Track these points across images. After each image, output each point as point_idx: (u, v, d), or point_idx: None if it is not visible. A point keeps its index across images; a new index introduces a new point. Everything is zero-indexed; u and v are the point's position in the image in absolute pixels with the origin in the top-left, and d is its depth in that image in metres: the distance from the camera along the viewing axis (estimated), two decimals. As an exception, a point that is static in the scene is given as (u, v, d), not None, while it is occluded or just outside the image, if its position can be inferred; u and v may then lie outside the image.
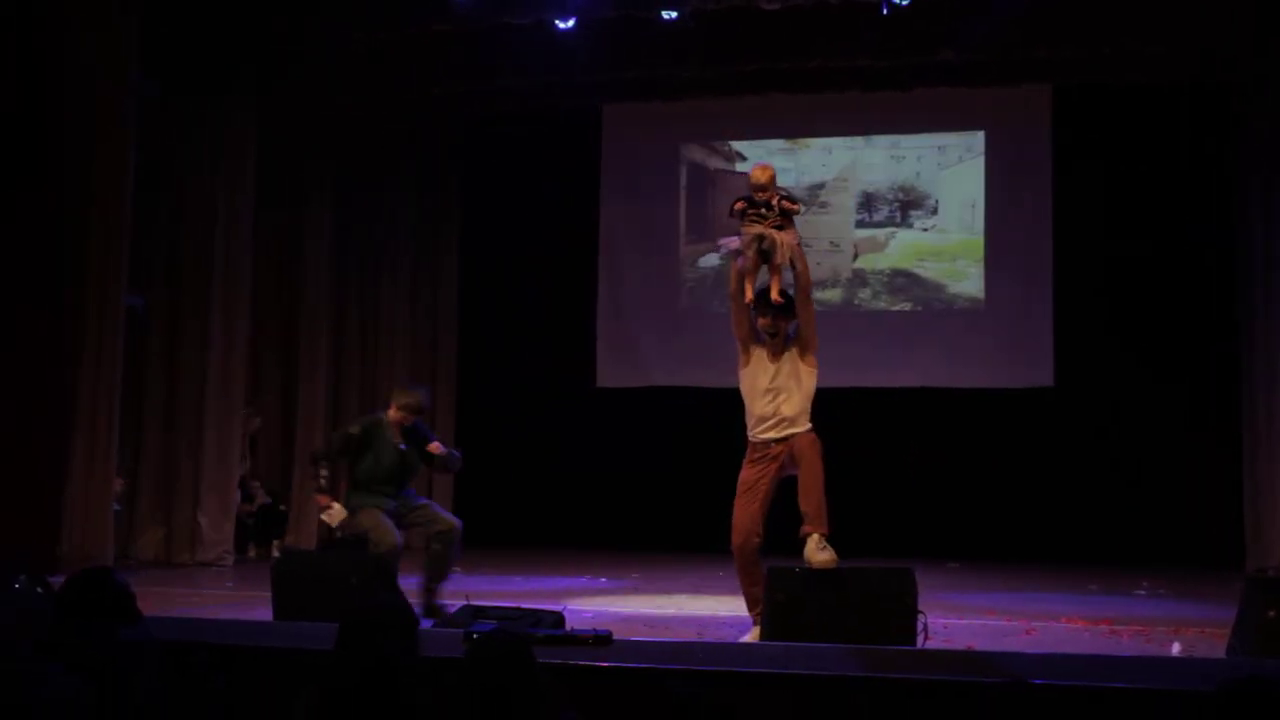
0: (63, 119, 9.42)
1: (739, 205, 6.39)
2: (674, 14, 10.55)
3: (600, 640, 4.88)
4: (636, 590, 9.24)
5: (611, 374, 13.25)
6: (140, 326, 10.57)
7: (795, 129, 12.95)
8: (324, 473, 7.26)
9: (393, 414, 7.30)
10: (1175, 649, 6.44)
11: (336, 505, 7.18)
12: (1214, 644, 6.34)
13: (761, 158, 12.80)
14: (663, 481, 12.39)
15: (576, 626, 5.86)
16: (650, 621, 7.35)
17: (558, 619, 6.31)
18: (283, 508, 11.82)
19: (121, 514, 10.21)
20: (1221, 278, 11.62)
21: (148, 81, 10.26)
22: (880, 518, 11.32)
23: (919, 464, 12.23)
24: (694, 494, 11.63)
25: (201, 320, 10.73)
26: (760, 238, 6.25)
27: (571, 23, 10.73)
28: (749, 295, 6.35)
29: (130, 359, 10.17)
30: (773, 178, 6.36)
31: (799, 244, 6.36)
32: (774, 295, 6.30)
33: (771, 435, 6.32)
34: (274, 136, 11.49)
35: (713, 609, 7.95)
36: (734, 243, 6.39)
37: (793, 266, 6.31)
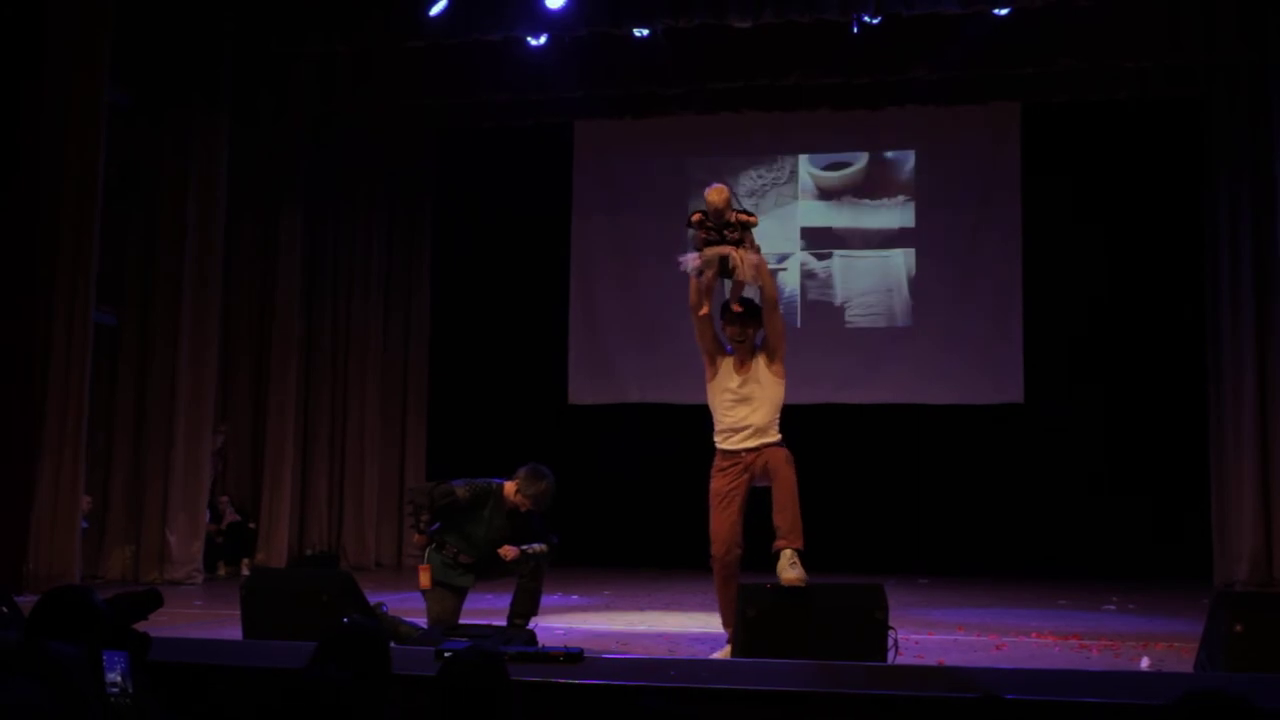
0: (33, 132, 9.37)
1: (696, 218, 6.41)
2: (646, 32, 10.60)
3: (571, 657, 4.87)
4: (608, 607, 9.22)
5: (583, 391, 13.25)
6: (111, 343, 10.52)
7: (768, 146, 12.99)
8: (425, 517, 6.72)
9: (511, 494, 6.70)
10: (1144, 664, 6.47)
11: (427, 575, 6.67)
12: (1182, 658, 6.38)
13: (739, 171, 12.92)
14: (635, 499, 12.39)
15: (548, 644, 5.86)
16: (622, 638, 7.33)
17: (529, 636, 6.31)
18: (252, 525, 11.75)
19: (90, 532, 10.13)
20: (1189, 296, 11.71)
21: (119, 94, 10.22)
22: (852, 534, 11.35)
23: (884, 478, 12.28)
24: (666, 511, 11.66)
25: (171, 337, 10.66)
26: (725, 258, 6.27)
27: (544, 39, 10.77)
28: (705, 309, 6.37)
29: (100, 375, 10.11)
30: (728, 199, 6.34)
31: (761, 258, 6.39)
32: (733, 306, 6.35)
33: (742, 445, 6.34)
34: (246, 152, 11.47)
35: (684, 626, 7.94)
36: (693, 260, 6.40)
37: (755, 281, 6.33)
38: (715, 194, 6.34)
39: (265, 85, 11.47)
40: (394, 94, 11.92)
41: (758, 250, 6.39)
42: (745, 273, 6.26)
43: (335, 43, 10.76)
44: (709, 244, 6.32)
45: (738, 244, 6.29)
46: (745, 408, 6.34)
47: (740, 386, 6.35)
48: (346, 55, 11.31)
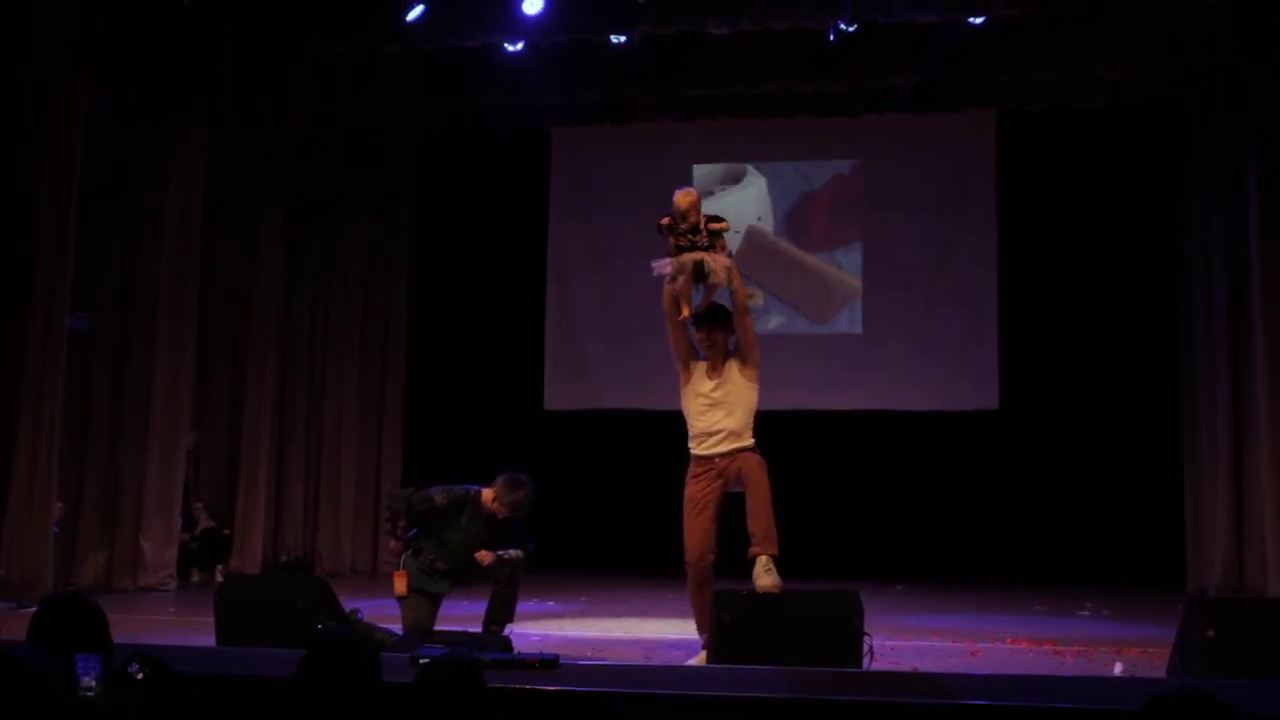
0: (14, 135, 9.32)
1: (665, 222, 6.47)
2: (624, 38, 10.61)
3: (547, 664, 4.86)
4: (584, 613, 9.22)
5: (559, 396, 13.24)
6: (86, 347, 10.46)
7: (745, 152, 13.01)
8: (402, 524, 6.71)
9: (490, 501, 6.69)
10: (1118, 669, 6.50)
11: (403, 581, 6.68)
12: (1155, 664, 6.41)
13: (717, 178, 12.96)
14: (611, 505, 12.37)
15: (523, 650, 5.85)
16: (597, 645, 7.33)
17: (505, 643, 6.30)
18: (226, 532, 11.69)
19: (63, 537, 10.05)
20: (1163, 302, 11.79)
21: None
22: (827, 540, 11.37)
23: (859, 484, 12.30)
24: (642, 517, 11.63)
25: (147, 342, 10.60)
26: (700, 263, 6.33)
27: (521, 45, 10.76)
28: (685, 313, 6.42)
29: (74, 380, 10.04)
30: (694, 203, 6.43)
31: (733, 262, 6.45)
32: (702, 311, 6.41)
33: (716, 450, 6.38)
34: (226, 157, 11.43)
35: (660, 632, 7.94)
36: (665, 266, 6.44)
37: (728, 285, 6.40)
38: (683, 197, 6.44)
39: (245, 91, 11.42)
40: (374, 100, 11.91)
41: (729, 256, 6.45)
42: (719, 276, 6.32)
43: (316, 47, 10.72)
44: (682, 250, 6.37)
45: (709, 249, 6.36)
46: (718, 412, 6.37)
47: (713, 391, 6.40)
48: (327, 61, 11.28)
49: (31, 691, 2.71)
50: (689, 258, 6.34)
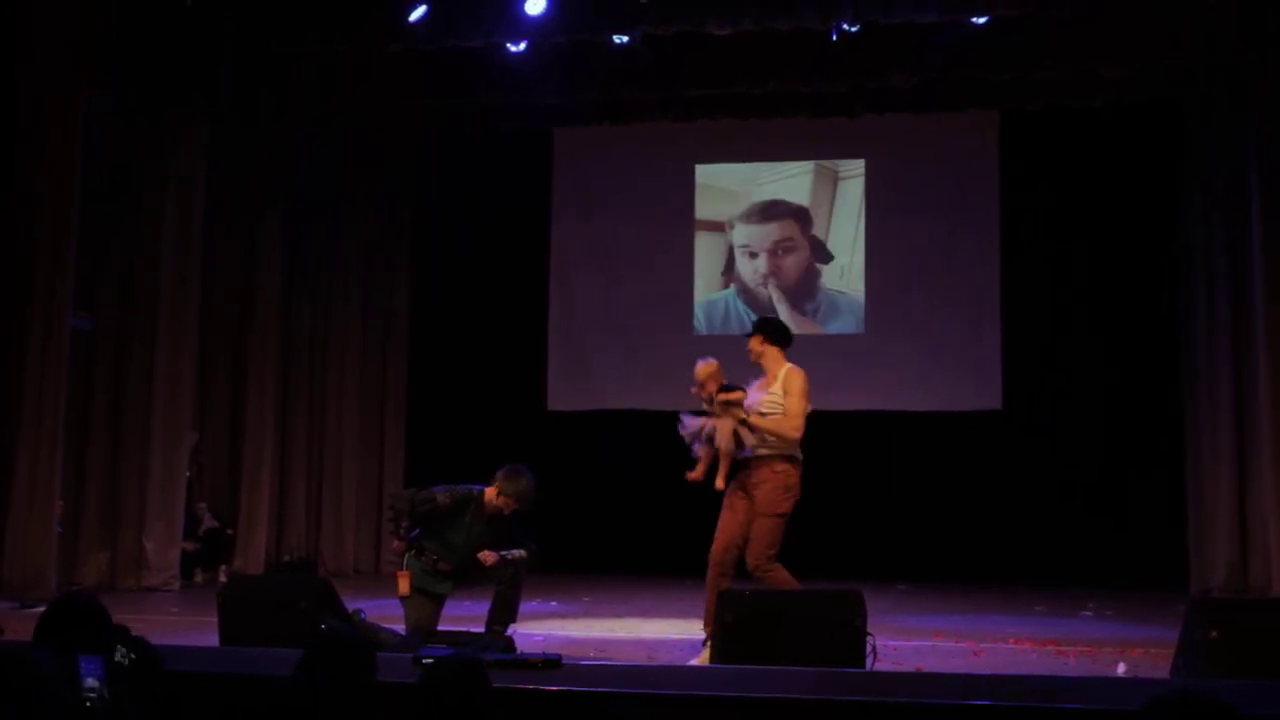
0: (9, 136, 9.32)
1: (694, 390, 6.75)
2: (625, 38, 10.61)
3: (549, 664, 4.85)
4: (587, 613, 9.22)
5: (562, 397, 13.23)
6: (87, 348, 10.46)
7: (745, 153, 13.01)
8: (405, 524, 6.73)
9: (493, 497, 6.72)
10: (1121, 669, 6.51)
11: (406, 581, 6.70)
12: (1158, 664, 6.42)
13: (718, 178, 12.94)
14: (614, 505, 12.37)
15: (526, 650, 5.85)
16: (600, 645, 7.34)
17: (508, 643, 6.30)
18: (230, 532, 11.68)
19: (66, 538, 10.05)
20: (1164, 302, 11.79)
21: (99, 98, 10.16)
22: (830, 540, 11.35)
23: (862, 484, 12.29)
24: (645, 517, 11.67)
25: (148, 342, 10.60)
26: (710, 435, 6.62)
27: (523, 46, 10.76)
28: (720, 483, 6.66)
29: (75, 380, 10.05)
30: (712, 373, 6.71)
31: (745, 417, 6.59)
32: (719, 483, 6.68)
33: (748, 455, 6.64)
34: (226, 157, 11.43)
35: (663, 632, 7.95)
36: (692, 425, 6.70)
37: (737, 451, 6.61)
38: (703, 368, 6.74)
39: (246, 92, 11.41)
40: (374, 100, 11.92)
41: (738, 419, 6.58)
42: (721, 439, 6.56)
43: (316, 47, 10.72)
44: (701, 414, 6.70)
45: (719, 417, 6.59)
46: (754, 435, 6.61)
47: (756, 405, 6.64)
48: (327, 61, 11.28)
49: (33, 691, 2.71)
50: (702, 423, 6.65)
